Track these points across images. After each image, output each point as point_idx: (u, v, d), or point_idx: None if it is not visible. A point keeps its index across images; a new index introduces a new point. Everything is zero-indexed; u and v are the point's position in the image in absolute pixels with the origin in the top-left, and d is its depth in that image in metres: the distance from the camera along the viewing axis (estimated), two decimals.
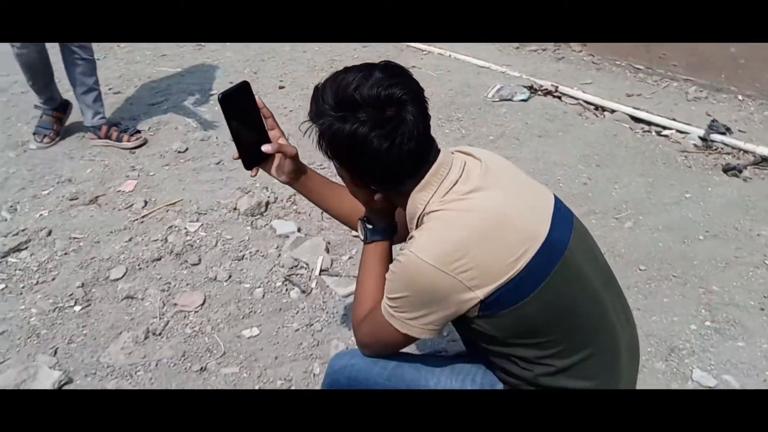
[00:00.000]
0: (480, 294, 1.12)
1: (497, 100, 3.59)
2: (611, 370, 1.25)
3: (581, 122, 3.34)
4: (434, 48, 4.35)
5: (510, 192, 1.21)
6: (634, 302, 2.21)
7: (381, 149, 1.12)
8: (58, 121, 3.35)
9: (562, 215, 1.22)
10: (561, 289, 1.16)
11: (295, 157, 1.48)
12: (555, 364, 1.19)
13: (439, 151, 1.22)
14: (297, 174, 1.51)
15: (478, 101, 3.61)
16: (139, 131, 3.33)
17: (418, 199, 1.20)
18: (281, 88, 3.87)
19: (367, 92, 1.10)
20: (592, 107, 3.43)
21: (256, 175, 1.46)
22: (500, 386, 1.29)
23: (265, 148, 1.42)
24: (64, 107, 3.39)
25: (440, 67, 4.13)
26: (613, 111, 3.39)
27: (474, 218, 1.13)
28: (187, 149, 3.23)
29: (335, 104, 1.13)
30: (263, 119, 1.44)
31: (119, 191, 2.90)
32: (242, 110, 1.36)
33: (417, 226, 1.21)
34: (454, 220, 1.14)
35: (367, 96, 1.10)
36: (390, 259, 1.35)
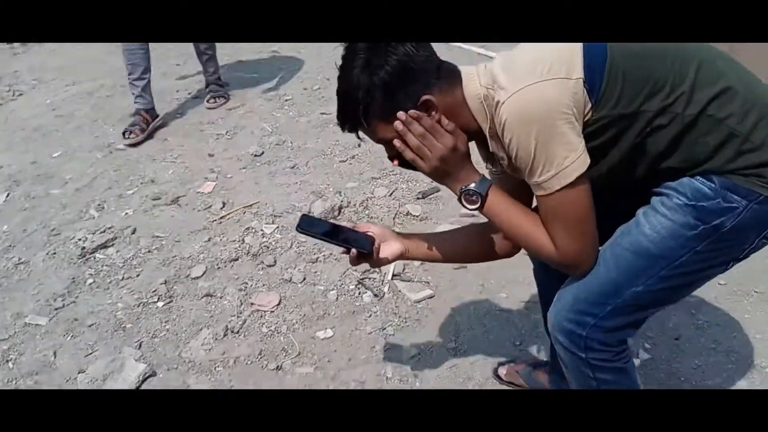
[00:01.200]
0: (575, 74, 1.18)
1: None
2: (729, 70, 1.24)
3: None
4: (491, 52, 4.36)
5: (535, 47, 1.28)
6: (713, 318, 2.16)
7: (408, 53, 1.23)
8: (145, 122, 3.54)
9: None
10: (624, 51, 1.22)
11: (389, 245, 1.51)
12: (684, 93, 1.20)
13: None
14: (400, 254, 1.52)
15: None
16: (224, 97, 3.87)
17: (472, 90, 1.28)
18: None
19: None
20: None
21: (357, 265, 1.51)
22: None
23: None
24: (153, 112, 3.59)
25: None
26: None
27: (530, 51, 1.25)
28: (263, 153, 3.32)
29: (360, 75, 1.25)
30: (346, 228, 1.50)
31: (199, 192, 3.00)
32: (322, 229, 1.45)
33: (488, 113, 1.27)
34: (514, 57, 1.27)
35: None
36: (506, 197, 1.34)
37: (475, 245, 1.56)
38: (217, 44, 3.96)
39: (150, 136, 3.54)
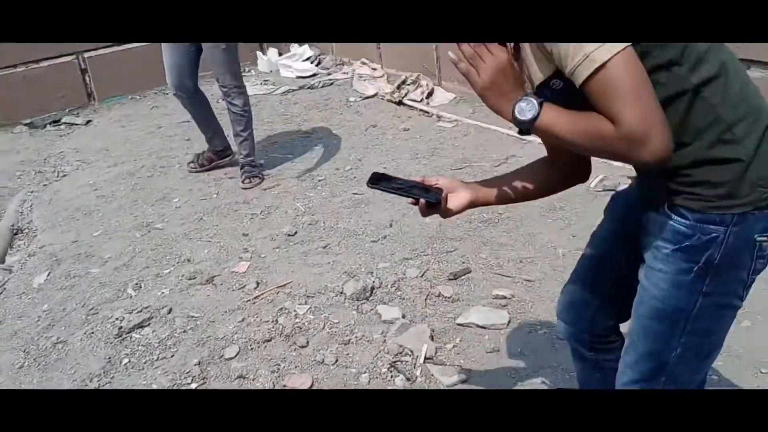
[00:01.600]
0: None
1: (600, 190, 3.58)
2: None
3: None
4: (535, 137, 4.42)
5: None
6: None
7: None
8: (209, 158, 4.22)
9: None
10: None
11: (455, 193, 1.51)
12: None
13: None
14: (469, 203, 1.52)
15: (580, 191, 3.61)
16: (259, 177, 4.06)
17: None
18: None
19: None
20: None
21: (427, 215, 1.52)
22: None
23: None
24: (222, 152, 4.24)
25: (540, 155, 4.17)
26: None
27: None
28: (296, 232, 3.39)
29: None
30: (414, 181, 1.50)
31: (233, 272, 3.06)
32: (391, 185, 1.48)
33: None
34: None
35: None
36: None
37: (543, 176, 1.56)
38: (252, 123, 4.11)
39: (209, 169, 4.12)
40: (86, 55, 5.62)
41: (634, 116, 1.10)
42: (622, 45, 1.10)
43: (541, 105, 1.22)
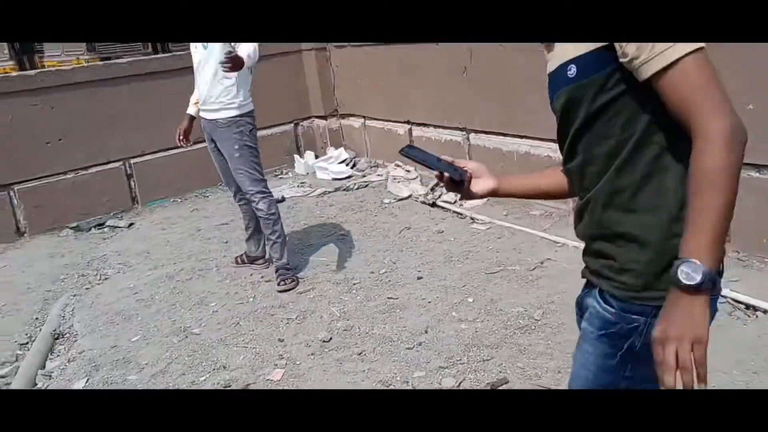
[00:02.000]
0: None
1: None
2: None
3: (732, 322, 3.21)
4: (569, 241, 4.42)
5: None
6: None
7: None
8: (247, 262, 4.41)
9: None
10: None
11: (481, 178, 1.57)
12: None
13: None
14: (492, 190, 1.57)
15: None
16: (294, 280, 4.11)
17: None
18: (419, 279, 4.04)
19: None
20: (742, 306, 3.29)
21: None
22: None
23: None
24: (256, 259, 4.39)
25: (575, 260, 4.15)
26: (766, 311, 3.23)
27: None
28: (331, 338, 3.39)
29: None
30: (444, 158, 1.56)
31: (268, 380, 3.06)
32: (422, 156, 1.56)
33: None
34: None
35: None
36: None
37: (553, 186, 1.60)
38: (286, 228, 4.21)
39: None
40: (133, 161, 5.89)
41: (715, 120, 1.10)
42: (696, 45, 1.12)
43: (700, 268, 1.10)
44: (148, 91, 5.87)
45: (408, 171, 5.91)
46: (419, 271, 4.16)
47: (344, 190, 5.96)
